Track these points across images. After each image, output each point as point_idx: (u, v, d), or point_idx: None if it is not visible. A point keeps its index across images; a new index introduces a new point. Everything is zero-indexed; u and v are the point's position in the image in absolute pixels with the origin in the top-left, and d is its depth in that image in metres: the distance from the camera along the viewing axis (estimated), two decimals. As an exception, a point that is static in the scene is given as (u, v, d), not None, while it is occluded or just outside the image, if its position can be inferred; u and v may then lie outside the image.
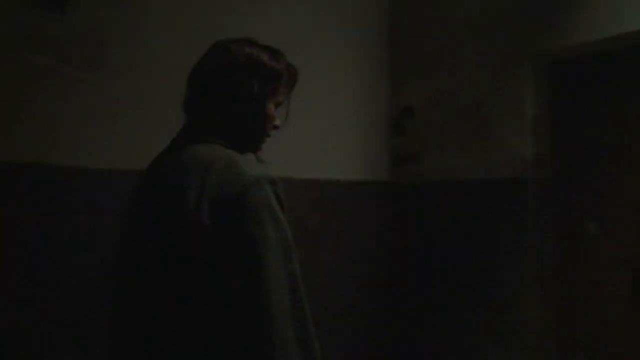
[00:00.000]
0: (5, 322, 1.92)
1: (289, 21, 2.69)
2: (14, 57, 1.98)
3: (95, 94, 2.14)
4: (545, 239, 2.56)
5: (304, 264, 1.16)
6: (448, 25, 2.89)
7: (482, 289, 2.66)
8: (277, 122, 1.35)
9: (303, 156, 2.72)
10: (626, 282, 2.42)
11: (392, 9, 3.14)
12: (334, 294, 2.78)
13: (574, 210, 2.61)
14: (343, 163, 2.91)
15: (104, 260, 2.10)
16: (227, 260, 1.07)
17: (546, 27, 2.49)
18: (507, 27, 2.63)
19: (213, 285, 1.08)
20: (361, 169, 2.99)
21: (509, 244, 2.58)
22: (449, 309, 2.81)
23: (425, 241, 2.93)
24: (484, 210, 2.68)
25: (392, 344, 3.03)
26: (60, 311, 2.02)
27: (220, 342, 1.07)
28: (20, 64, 1.99)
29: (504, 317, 2.57)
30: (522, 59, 2.58)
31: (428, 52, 2.97)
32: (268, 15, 2.63)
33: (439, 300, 2.85)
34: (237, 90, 1.26)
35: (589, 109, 2.59)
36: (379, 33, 3.11)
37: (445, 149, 2.87)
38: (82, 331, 2.05)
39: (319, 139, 2.80)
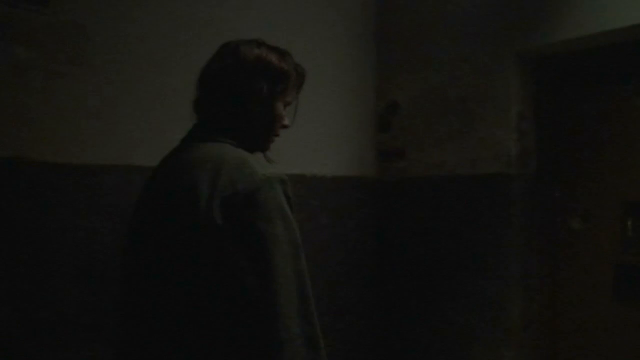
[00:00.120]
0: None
1: (275, 17, 2.68)
2: (-6, 51, 1.96)
3: (78, 89, 2.11)
4: (530, 234, 2.59)
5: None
6: (434, 21, 2.89)
7: (467, 284, 2.68)
8: (286, 122, 1.38)
9: (289, 152, 2.71)
10: (608, 276, 2.46)
11: (379, 5, 3.13)
12: (319, 289, 2.77)
13: (557, 206, 2.63)
14: (329, 159, 2.91)
15: (88, 256, 2.09)
16: (237, 257, 1.09)
17: (531, 24, 2.51)
18: (492, 23, 2.65)
19: (223, 281, 1.09)
20: (347, 164, 2.99)
21: (494, 239, 2.60)
22: (434, 304, 2.82)
23: (411, 236, 2.94)
24: (469, 206, 2.70)
25: (378, 340, 3.04)
26: (42, 309, 2.00)
27: (228, 337, 1.09)
28: (1, 57, 1.96)
29: (489, 312, 2.59)
30: (506, 55, 2.59)
31: (414, 48, 2.97)
32: (254, 9, 2.61)
33: (425, 296, 2.86)
34: (246, 91, 1.28)
35: (573, 105, 2.61)
36: (365, 29, 3.10)
37: (430, 144, 2.88)
38: (63, 329, 2.03)
39: (304, 134, 2.79)
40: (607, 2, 2.25)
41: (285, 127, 1.39)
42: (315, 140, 2.85)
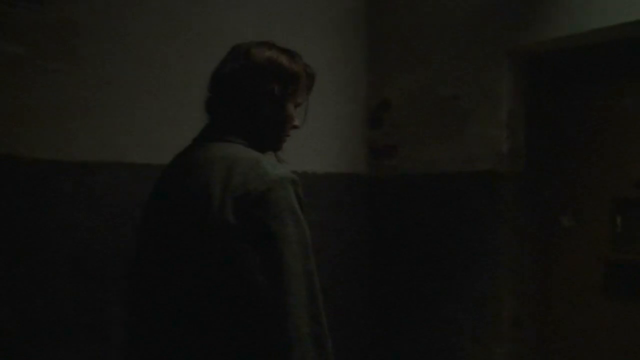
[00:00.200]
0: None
1: (266, 14, 2.67)
2: (-16, 47, 1.94)
3: (70, 85, 2.09)
4: (520, 231, 2.60)
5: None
6: (426, 19, 2.89)
7: (459, 281, 2.69)
8: (296, 122, 1.42)
9: (281, 149, 2.71)
10: (598, 273, 2.48)
11: (372, 3, 3.13)
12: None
13: (548, 203, 2.65)
14: (321, 155, 2.91)
15: (79, 253, 2.08)
16: (249, 255, 1.10)
17: (522, 22, 2.52)
18: (484, 21, 2.65)
19: (234, 279, 1.11)
20: (339, 161, 2.99)
21: (485, 236, 2.61)
22: (426, 300, 2.83)
23: (403, 233, 2.95)
24: (461, 203, 2.71)
25: (370, 337, 3.05)
26: (39, 307, 1.99)
27: (238, 335, 1.11)
28: (-7, 54, 1.95)
29: (481, 309, 2.61)
30: (498, 54, 2.60)
31: (406, 46, 2.98)
32: (247, 7, 2.60)
33: (417, 293, 2.87)
34: (258, 92, 1.31)
35: (563, 103, 2.63)
36: (357, 26, 3.10)
37: (422, 141, 2.89)
38: (56, 327, 2.02)
39: (296, 131, 2.79)
40: (596, 1, 2.27)
41: (295, 127, 1.42)
42: (306, 137, 2.85)
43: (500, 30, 2.59)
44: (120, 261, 2.17)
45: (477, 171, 2.65)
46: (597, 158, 2.50)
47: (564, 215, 2.59)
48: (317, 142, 2.89)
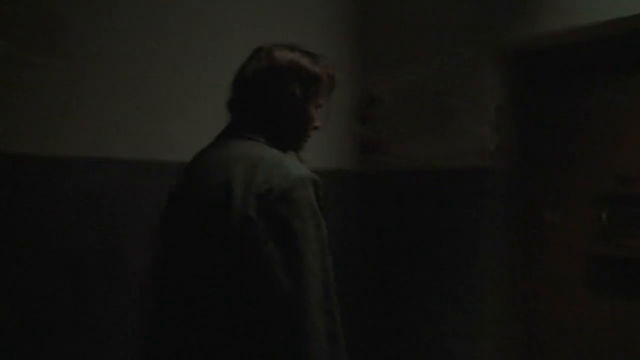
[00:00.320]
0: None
1: (258, 11, 2.66)
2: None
3: (56, 80, 2.08)
4: (507, 227, 2.62)
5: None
6: (413, 16, 2.90)
7: (446, 276, 2.71)
8: (317, 123, 1.44)
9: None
10: (584, 268, 2.50)
11: (360, 1, 3.13)
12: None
13: (534, 199, 2.67)
14: (308, 151, 2.89)
15: (66, 249, 2.07)
16: (270, 251, 1.13)
17: (509, 19, 2.53)
18: (472, 18, 2.66)
19: (253, 274, 1.13)
20: (327, 157, 2.99)
21: (471, 232, 2.63)
22: (414, 296, 2.84)
23: (391, 229, 2.96)
24: (448, 199, 2.72)
25: (356, 332, 3.06)
26: (21, 304, 1.97)
27: (255, 327, 1.13)
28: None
29: (467, 304, 2.62)
30: (485, 50, 2.62)
31: (394, 43, 2.98)
32: (241, 2, 2.60)
33: (404, 288, 2.88)
34: (280, 94, 1.34)
35: (550, 99, 2.65)
36: (345, 23, 3.10)
37: (410, 138, 2.89)
38: (41, 323, 2.01)
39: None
40: (583, -1, 2.29)
41: (316, 128, 1.44)
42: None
43: (488, 27, 2.60)
44: (109, 258, 2.16)
45: (464, 167, 2.67)
46: (583, 154, 2.52)
47: (550, 211, 2.61)
48: (305, 138, 2.88)
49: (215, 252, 1.18)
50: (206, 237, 1.20)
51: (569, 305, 2.54)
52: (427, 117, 2.82)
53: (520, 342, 2.65)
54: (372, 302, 3.03)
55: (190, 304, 1.22)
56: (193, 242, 1.24)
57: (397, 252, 2.92)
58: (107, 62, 2.20)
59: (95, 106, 2.17)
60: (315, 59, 1.41)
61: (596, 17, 2.26)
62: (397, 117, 2.95)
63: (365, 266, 3.06)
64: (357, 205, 3.09)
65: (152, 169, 2.27)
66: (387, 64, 3.01)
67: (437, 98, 2.77)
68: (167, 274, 1.32)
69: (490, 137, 2.60)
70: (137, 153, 2.25)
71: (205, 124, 2.45)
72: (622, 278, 2.39)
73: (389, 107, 3.01)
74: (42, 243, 2.02)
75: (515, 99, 2.68)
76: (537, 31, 2.44)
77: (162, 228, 1.37)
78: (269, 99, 1.34)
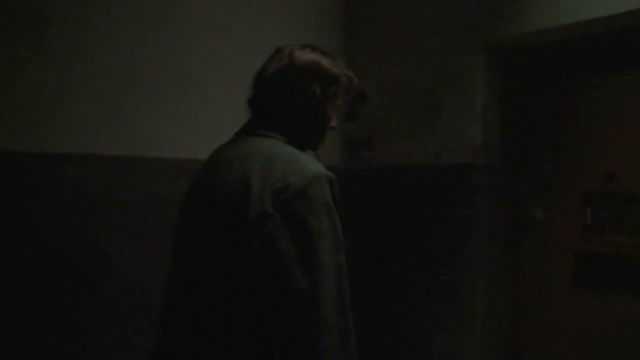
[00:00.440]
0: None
1: (246, 8, 2.65)
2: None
3: (39, 76, 2.05)
4: (494, 224, 2.63)
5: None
6: (402, 12, 2.90)
7: (433, 272, 2.71)
8: (334, 124, 1.46)
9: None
10: (568, 264, 2.52)
11: (346, -4, 3.13)
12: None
13: (520, 196, 2.68)
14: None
15: (51, 245, 2.04)
16: (285, 246, 1.15)
17: (497, 16, 2.54)
18: (458, 14, 2.67)
19: (269, 269, 1.15)
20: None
21: (459, 228, 2.64)
22: (400, 292, 2.85)
23: (378, 226, 2.96)
24: (435, 196, 2.73)
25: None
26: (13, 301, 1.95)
27: (269, 321, 1.15)
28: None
29: (453, 300, 2.63)
30: (473, 47, 2.62)
31: (382, 39, 2.98)
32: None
33: (391, 284, 2.89)
34: (300, 93, 1.37)
35: (537, 96, 2.66)
36: (333, 20, 3.09)
37: (398, 134, 2.89)
38: (25, 321, 1.99)
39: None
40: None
41: (333, 128, 1.47)
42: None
43: (475, 23, 2.61)
44: (95, 254, 2.14)
45: (451, 164, 2.67)
46: (568, 151, 2.54)
47: (536, 208, 2.63)
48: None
49: (232, 248, 1.20)
50: (223, 232, 1.22)
51: (554, 301, 2.56)
52: (415, 114, 2.82)
53: (506, 338, 2.66)
54: (357, 298, 3.02)
55: (204, 298, 1.24)
56: (210, 238, 1.26)
57: (384, 248, 2.92)
58: (93, 58, 2.17)
59: (81, 103, 2.14)
60: (335, 60, 1.44)
61: (583, 15, 2.27)
62: (385, 114, 2.95)
63: (352, 262, 3.05)
64: (344, 202, 3.08)
65: (139, 166, 2.26)
66: (376, 61, 3.00)
67: (424, 95, 2.78)
68: (183, 269, 1.34)
69: (478, 134, 2.61)
70: (123, 150, 2.23)
71: (193, 121, 2.44)
72: (607, 274, 2.41)
73: (377, 103, 3.00)
74: (27, 240, 2.00)
75: (502, 97, 2.69)
76: (525, 29, 2.45)
77: (180, 223, 1.40)
78: (288, 98, 1.37)
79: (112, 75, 2.22)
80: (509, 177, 2.69)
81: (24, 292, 1.98)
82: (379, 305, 2.94)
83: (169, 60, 2.38)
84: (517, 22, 2.47)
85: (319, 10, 3.02)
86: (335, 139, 3.10)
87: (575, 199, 2.50)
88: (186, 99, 2.42)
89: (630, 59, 2.38)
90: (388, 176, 2.94)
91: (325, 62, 1.41)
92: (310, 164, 1.25)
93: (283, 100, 1.37)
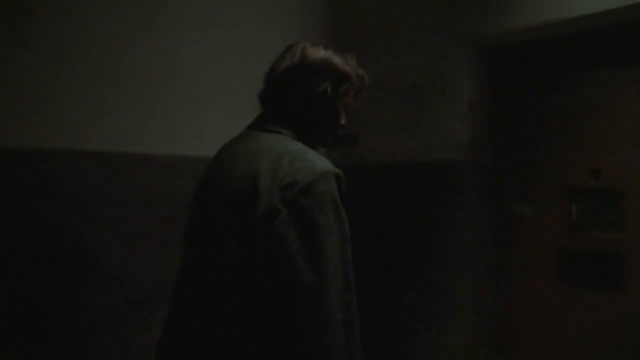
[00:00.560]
0: None
1: (234, 7, 2.64)
2: None
3: (22, 70, 2.04)
4: (480, 220, 2.64)
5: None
6: (388, 10, 2.90)
7: (419, 269, 2.72)
8: (343, 121, 1.47)
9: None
10: (553, 260, 2.54)
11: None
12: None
13: (506, 193, 2.70)
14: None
15: (37, 241, 2.03)
16: (292, 241, 1.16)
17: (483, 13, 2.54)
18: (445, 11, 2.67)
19: (276, 263, 1.17)
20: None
21: (445, 225, 2.64)
22: (387, 289, 2.85)
23: (366, 222, 2.96)
24: (422, 193, 2.73)
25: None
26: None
27: (275, 315, 1.17)
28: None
29: (441, 296, 2.64)
30: (459, 44, 2.62)
31: (368, 37, 2.98)
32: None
33: (378, 282, 2.89)
34: (312, 90, 1.38)
35: (523, 94, 2.67)
36: (320, 17, 3.09)
37: (384, 131, 2.90)
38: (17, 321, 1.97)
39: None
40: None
41: (342, 126, 1.48)
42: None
43: (462, 20, 2.61)
44: (80, 251, 2.13)
45: (438, 161, 2.68)
46: (554, 148, 2.55)
47: (522, 205, 2.64)
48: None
49: (240, 242, 1.21)
50: (232, 227, 1.24)
51: (539, 297, 2.57)
52: (401, 111, 2.82)
53: (491, 333, 2.68)
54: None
55: (212, 293, 1.26)
56: (219, 233, 1.27)
57: (370, 244, 2.92)
58: (79, 53, 2.16)
59: (66, 99, 2.13)
60: (346, 58, 1.45)
61: (568, 12, 2.28)
62: (371, 111, 2.95)
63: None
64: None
65: (125, 162, 2.25)
66: (363, 58, 2.96)
67: (412, 92, 2.78)
68: (192, 264, 1.36)
69: (465, 131, 2.61)
70: (109, 146, 2.22)
71: (182, 116, 2.43)
72: (591, 270, 2.43)
73: (363, 100, 2.99)
74: (10, 236, 1.98)
75: (489, 93, 2.70)
76: (511, 26, 2.46)
77: (190, 217, 1.41)
78: (300, 95, 1.38)
79: (98, 72, 2.21)
80: (495, 174, 2.70)
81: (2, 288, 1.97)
82: (363, 301, 2.94)
83: (156, 57, 2.37)
84: (505, 19, 2.48)
85: (306, 9, 3.01)
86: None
87: (560, 195, 2.52)
88: (173, 95, 2.41)
89: (616, 56, 2.39)
90: (376, 172, 2.94)
91: (337, 59, 1.41)
92: (319, 161, 1.26)
93: (294, 96, 1.38)
